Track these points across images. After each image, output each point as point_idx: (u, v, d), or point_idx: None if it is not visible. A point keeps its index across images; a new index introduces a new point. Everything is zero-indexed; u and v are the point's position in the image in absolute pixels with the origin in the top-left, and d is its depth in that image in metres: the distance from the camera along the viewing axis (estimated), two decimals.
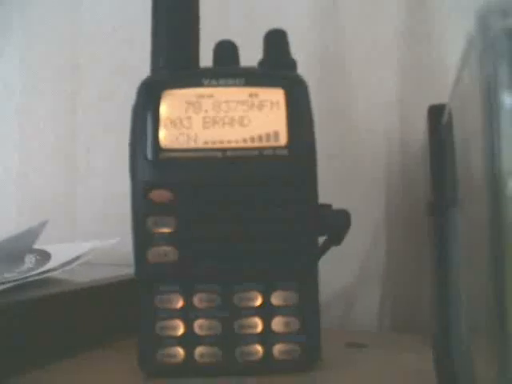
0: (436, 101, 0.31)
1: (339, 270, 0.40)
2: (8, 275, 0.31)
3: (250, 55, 0.29)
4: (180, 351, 0.27)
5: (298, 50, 0.31)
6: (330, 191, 0.32)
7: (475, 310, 0.16)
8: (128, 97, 0.28)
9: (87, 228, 0.48)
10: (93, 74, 0.49)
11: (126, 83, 0.29)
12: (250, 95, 0.27)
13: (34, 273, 0.32)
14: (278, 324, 0.27)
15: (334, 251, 0.30)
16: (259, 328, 0.27)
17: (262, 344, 0.27)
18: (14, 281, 0.30)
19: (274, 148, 0.27)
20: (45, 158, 0.51)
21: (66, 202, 0.50)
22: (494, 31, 0.12)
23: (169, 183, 0.27)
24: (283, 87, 0.27)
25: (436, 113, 0.30)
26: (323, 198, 0.28)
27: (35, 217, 0.49)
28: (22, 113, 0.52)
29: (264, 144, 0.27)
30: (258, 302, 0.27)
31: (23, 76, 0.52)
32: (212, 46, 0.30)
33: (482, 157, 0.12)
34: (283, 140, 0.27)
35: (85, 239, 0.46)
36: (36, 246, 0.36)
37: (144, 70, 0.29)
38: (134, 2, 0.47)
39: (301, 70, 0.30)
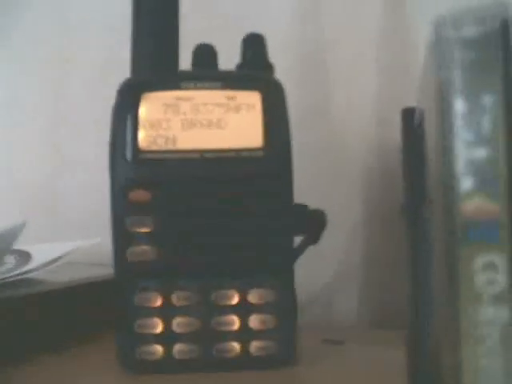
0: (415, 101, 0.31)
1: (318, 268, 0.41)
2: None
3: (231, 56, 0.30)
4: (159, 348, 0.27)
5: (279, 51, 0.32)
6: (308, 191, 0.33)
7: (439, 307, 0.17)
8: (115, 88, 0.28)
9: (70, 220, 0.48)
10: (80, 65, 0.49)
11: (113, 74, 0.29)
12: (228, 98, 0.28)
13: (13, 273, 0.32)
14: (254, 321, 0.28)
15: (313, 250, 0.30)
16: (236, 325, 0.28)
17: (239, 341, 0.28)
18: None
19: (251, 150, 0.28)
20: (30, 152, 0.51)
21: (51, 194, 0.49)
22: (448, 41, 0.13)
23: (147, 184, 0.27)
24: (260, 90, 0.28)
25: (409, 115, 0.30)
26: (301, 198, 0.29)
27: (20, 211, 0.49)
28: (8, 104, 0.52)
29: (241, 146, 0.28)
30: (235, 300, 0.28)
31: (10, 70, 0.52)
32: (193, 46, 0.30)
33: (437, 157, 0.13)
34: (259, 142, 0.28)
35: (68, 231, 0.46)
36: (17, 247, 0.36)
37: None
38: None
39: (281, 71, 0.30)
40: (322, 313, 0.42)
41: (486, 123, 0.13)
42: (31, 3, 0.51)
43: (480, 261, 0.12)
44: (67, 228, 0.47)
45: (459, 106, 0.13)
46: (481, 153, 0.13)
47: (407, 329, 0.27)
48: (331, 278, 0.42)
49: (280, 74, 0.30)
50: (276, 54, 0.31)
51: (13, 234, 0.34)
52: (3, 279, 0.31)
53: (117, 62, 0.44)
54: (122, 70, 0.29)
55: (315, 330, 0.35)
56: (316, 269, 0.40)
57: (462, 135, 0.13)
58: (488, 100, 0.13)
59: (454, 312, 0.12)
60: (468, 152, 0.13)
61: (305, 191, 0.29)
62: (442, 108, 0.13)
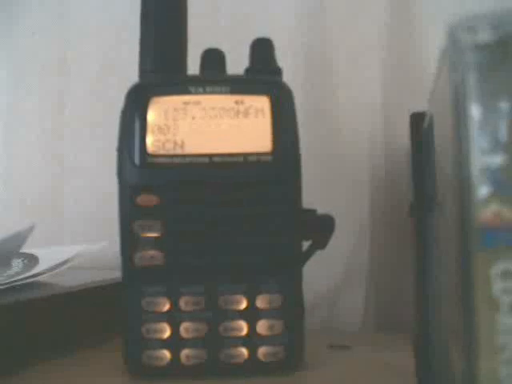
0: (420, 102, 0.31)
1: (324, 271, 0.41)
2: None
3: (237, 57, 0.30)
4: (166, 353, 0.27)
5: (285, 51, 0.32)
6: (314, 193, 0.33)
7: (449, 309, 0.17)
8: (116, 94, 0.28)
9: (74, 228, 0.48)
10: (81, 72, 0.49)
11: (114, 80, 0.29)
12: (236, 102, 0.28)
13: (21, 277, 0.32)
14: (262, 327, 0.28)
15: (319, 252, 0.30)
16: (244, 331, 0.27)
17: (247, 346, 0.27)
18: (1, 285, 0.30)
19: (259, 154, 0.28)
20: (31, 157, 0.51)
21: (52, 201, 0.49)
22: (463, 46, 0.13)
23: (155, 188, 0.27)
24: (268, 94, 0.28)
25: (418, 119, 0.30)
26: (308, 199, 0.29)
27: (21, 216, 0.49)
28: (9, 110, 0.52)
29: (249, 150, 0.28)
30: (243, 305, 0.28)
31: (10, 73, 0.52)
32: (200, 49, 0.30)
33: (452, 163, 0.13)
34: (268, 147, 0.28)
35: (72, 238, 0.46)
36: (24, 250, 0.37)
37: (133, 67, 0.30)
38: None
39: (286, 72, 0.30)
40: (327, 316, 0.42)
41: (502, 129, 0.13)
42: (31, 10, 0.52)
43: (497, 268, 0.12)
44: (69, 235, 0.48)
45: (474, 111, 0.13)
46: (497, 159, 0.12)
47: (412, 332, 0.27)
48: (336, 280, 0.42)
49: (284, 75, 0.30)
50: (280, 55, 0.31)
51: (21, 237, 0.34)
52: (10, 282, 0.31)
53: (118, 68, 0.45)
54: (122, 77, 0.29)
55: (321, 333, 0.35)
56: (321, 271, 0.40)
57: (477, 141, 0.13)
58: (504, 105, 0.13)
59: (470, 321, 0.12)
60: (484, 158, 0.13)
61: (310, 193, 0.29)
62: (457, 114, 0.13)
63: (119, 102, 0.28)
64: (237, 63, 0.30)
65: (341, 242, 0.38)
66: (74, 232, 0.48)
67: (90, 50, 0.49)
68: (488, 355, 0.11)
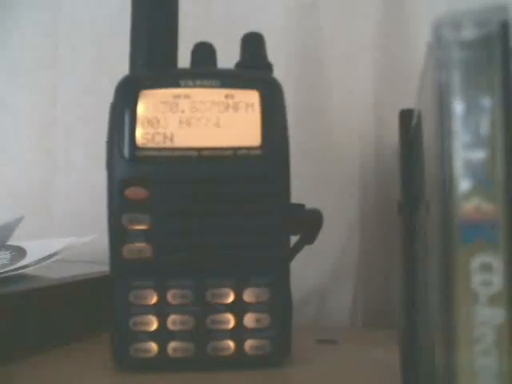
0: (411, 102, 0.32)
1: (313, 267, 0.41)
2: None
3: (229, 54, 0.30)
4: (153, 346, 0.27)
5: (277, 50, 0.32)
6: (304, 190, 0.33)
7: (432, 304, 0.17)
8: (108, 90, 0.28)
9: (64, 222, 0.48)
10: (73, 67, 0.49)
11: (105, 76, 0.29)
12: (226, 96, 0.28)
13: (8, 269, 0.32)
14: (249, 320, 0.28)
15: (308, 249, 0.30)
16: (231, 324, 0.28)
17: (234, 339, 0.28)
18: None
19: (248, 148, 0.28)
20: (22, 151, 0.51)
21: (42, 194, 0.49)
22: (447, 42, 0.13)
23: (144, 181, 0.27)
24: (258, 89, 0.28)
25: (407, 116, 0.30)
26: (298, 197, 0.29)
27: (11, 209, 0.49)
28: (0, 104, 0.52)
29: (238, 144, 0.28)
30: (231, 298, 0.28)
31: (1, 67, 0.52)
32: (190, 44, 0.30)
33: (435, 158, 0.13)
34: (257, 141, 0.28)
35: (61, 233, 0.46)
36: (12, 243, 0.36)
37: (124, 63, 0.30)
38: None
39: (279, 70, 0.30)
40: (315, 312, 0.42)
41: (484, 125, 0.13)
42: (23, 5, 0.51)
43: (476, 261, 0.12)
44: (58, 230, 0.47)
45: (457, 107, 0.13)
46: (479, 154, 0.13)
47: (399, 328, 0.27)
48: (325, 277, 0.42)
49: (277, 73, 0.30)
50: (273, 54, 0.31)
51: (9, 228, 0.34)
52: None
53: (110, 64, 0.45)
54: (113, 72, 0.29)
55: (309, 329, 0.35)
56: (310, 268, 0.40)
57: (460, 137, 0.13)
58: (486, 102, 0.13)
59: (449, 312, 0.12)
60: (466, 153, 0.13)
61: (300, 190, 0.29)
62: (441, 109, 0.13)
63: (111, 97, 0.28)
64: (231, 63, 0.30)
65: (330, 240, 0.38)
66: (64, 227, 0.47)
67: (82, 44, 0.49)
68: (465, 347, 0.12)
